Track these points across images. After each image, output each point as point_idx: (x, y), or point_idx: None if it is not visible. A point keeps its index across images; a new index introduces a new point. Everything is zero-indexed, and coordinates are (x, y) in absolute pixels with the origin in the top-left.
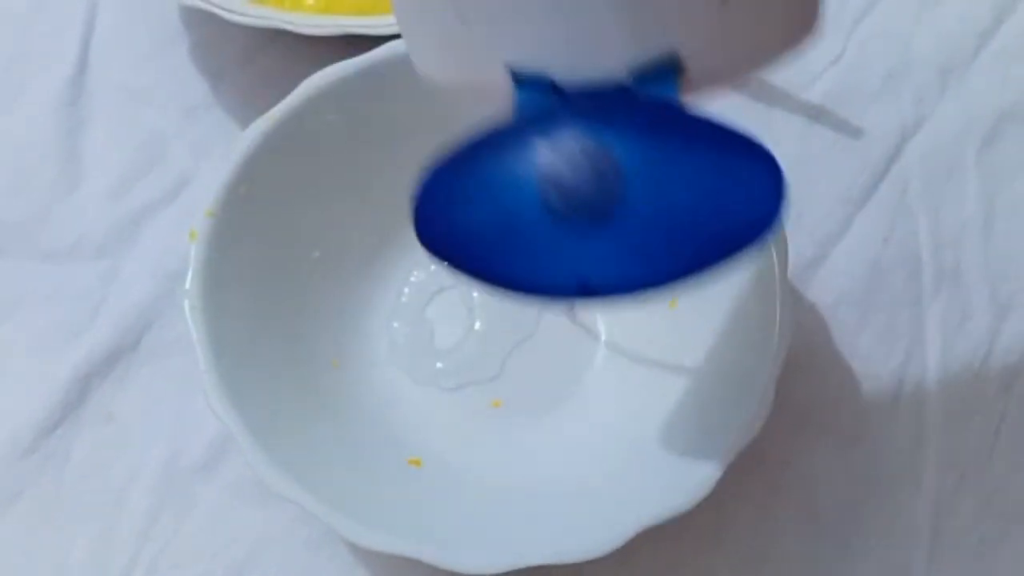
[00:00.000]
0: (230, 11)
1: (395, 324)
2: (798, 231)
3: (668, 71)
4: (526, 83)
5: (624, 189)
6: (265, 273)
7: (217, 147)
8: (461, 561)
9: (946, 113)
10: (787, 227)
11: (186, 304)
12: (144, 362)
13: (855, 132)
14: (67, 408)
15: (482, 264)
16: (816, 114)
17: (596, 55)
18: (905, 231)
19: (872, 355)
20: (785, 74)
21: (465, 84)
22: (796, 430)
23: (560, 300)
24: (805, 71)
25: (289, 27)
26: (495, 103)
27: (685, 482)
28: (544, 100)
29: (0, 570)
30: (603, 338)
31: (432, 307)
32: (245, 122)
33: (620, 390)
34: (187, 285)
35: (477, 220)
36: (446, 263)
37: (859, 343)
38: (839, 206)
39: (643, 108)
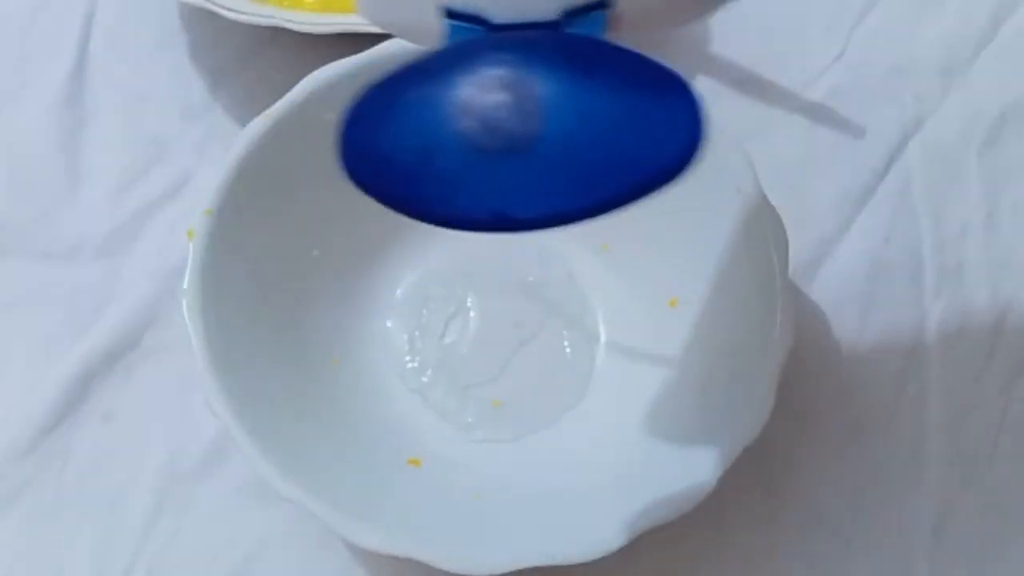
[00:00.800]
0: (230, 9)
1: (395, 323)
2: (799, 230)
3: (598, 11)
4: (458, 21)
5: (544, 122)
6: (264, 272)
7: (216, 145)
8: (461, 561)
9: (947, 112)
10: (788, 226)
11: (184, 304)
12: (144, 362)
13: (856, 131)
14: (67, 407)
15: (401, 193)
16: (817, 113)
17: None
18: (906, 230)
19: (873, 354)
20: (787, 73)
21: (406, 26)
22: (797, 430)
23: (478, 229)
24: (807, 70)
25: (289, 25)
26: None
27: (685, 482)
28: (473, 37)
29: (0, 570)
30: (603, 338)
31: (432, 306)
32: (244, 120)
33: (620, 390)
34: (185, 284)
35: (398, 149)
36: (366, 191)
37: (860, 342)
38: (840, 205)
39: (569, 45)
